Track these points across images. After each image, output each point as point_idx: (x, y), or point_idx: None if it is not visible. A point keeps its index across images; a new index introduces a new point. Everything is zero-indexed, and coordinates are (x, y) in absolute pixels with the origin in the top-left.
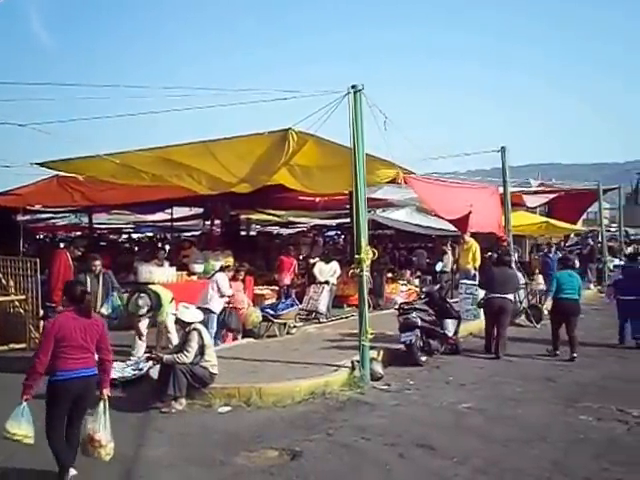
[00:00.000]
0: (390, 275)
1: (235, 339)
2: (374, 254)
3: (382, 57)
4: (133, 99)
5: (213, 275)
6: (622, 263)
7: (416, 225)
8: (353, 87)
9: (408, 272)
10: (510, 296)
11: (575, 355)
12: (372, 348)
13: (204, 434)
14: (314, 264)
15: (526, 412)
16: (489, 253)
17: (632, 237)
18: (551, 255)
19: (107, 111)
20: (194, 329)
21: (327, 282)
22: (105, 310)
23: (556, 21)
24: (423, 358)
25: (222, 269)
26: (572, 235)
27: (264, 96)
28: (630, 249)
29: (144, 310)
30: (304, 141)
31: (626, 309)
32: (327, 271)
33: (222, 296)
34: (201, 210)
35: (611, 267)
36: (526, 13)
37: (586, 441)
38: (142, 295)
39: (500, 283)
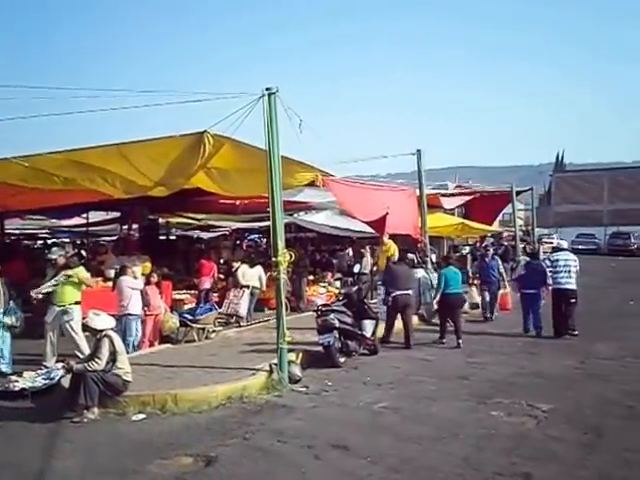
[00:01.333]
0: (311, 277)
1: (152, 345)
2: (291, 257)
3: (300, 58)
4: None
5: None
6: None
7: (336, 227)
8: (267, 89)
9: (329, 274)
10: (411, 292)
11: (460, 342)
12: (291, 351)
13: (117, 443)
14: (238, 267)
15: (440, 410)
16: (408, 254)
17: (546, 237)
18: (487, 260)
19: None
20: (105, 336)
21: (248, 286)
22: (9, 320)
23: (472, 20)
24: (341, 359)
25: (123, 272)
26: (488, 236)
27: (179, 98)
28: (531, 247)
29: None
30: (221, 144)
31: (528, 301)
32: (251, 275)
33: (136, 295)
34: (118, 214)
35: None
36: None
37: (497, 436)
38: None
39: (403, 280)
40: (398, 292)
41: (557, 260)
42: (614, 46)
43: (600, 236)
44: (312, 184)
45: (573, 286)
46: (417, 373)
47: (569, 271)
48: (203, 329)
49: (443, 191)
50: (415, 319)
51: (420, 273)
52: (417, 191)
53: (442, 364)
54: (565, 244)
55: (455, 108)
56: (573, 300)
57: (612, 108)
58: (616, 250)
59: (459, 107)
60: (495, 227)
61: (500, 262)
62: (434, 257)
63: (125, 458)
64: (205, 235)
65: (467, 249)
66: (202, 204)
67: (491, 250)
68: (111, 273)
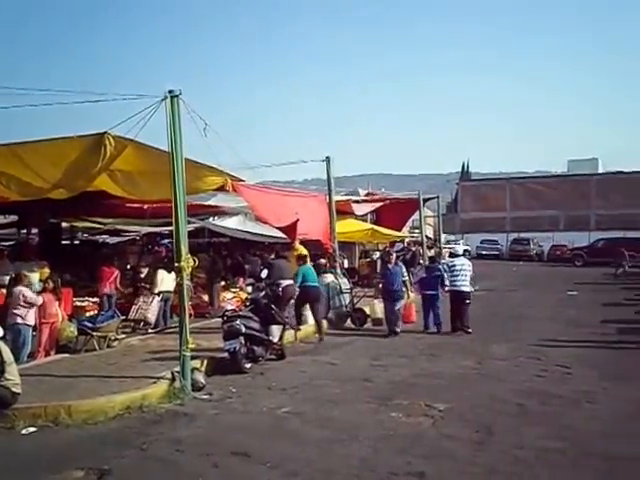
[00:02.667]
0: (223, 283)
1: (48, 355)
2: (195, 262)
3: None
4: None
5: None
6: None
7: (248, 232)
8: (170, 92)
9: (241, 279)
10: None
11: (322, 337)
12: (195, 358)
13: (4, 458)
14: (148, 273)
15: (342, 413)
16: (321, 260)
17: (453, 243)
18: (390, 267)
19: None
20: None
21: (159, 293)
22: None
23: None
24: (247, 365)
25: (18, 280)
26: (398, 241)
27: (78, 97)
28: (432, 252)
29: None
30: (123, 146)
31: (428, 302)
32: (169, 280)
33: (32, 306)
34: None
35: None
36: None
37: (395, 437)
38: None
39: (287, 271)
40: (287, 282)
41: (454, 265)
42: (517, 71)
43: (503, 242)
44: (221, 188)
45: (467, 288)
46: (322, 377)
47: (465, 275)
48: (105, 337)
49: (354, 197)
50: (325, 324)
51: (329, 278)
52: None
53: (347, 367)
54: (461, 251)
55: (371, 117)
56: (467, 301)
57: (515, 124)
58: (517, 255)
59: (375, 116)
60: (404, 233)
61: (404, 269)
62: (346, 262)
63: (13, 474)
64: (113, 240)
65: (377, 254)
66: (108, 208)
67: (394, 255)
68: (5, 280)
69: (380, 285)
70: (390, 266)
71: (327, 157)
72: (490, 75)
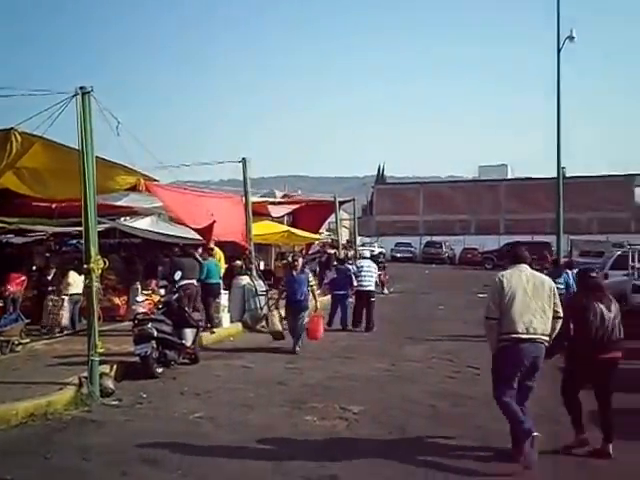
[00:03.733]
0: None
1: None
2: (105, 263)
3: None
4: None
5: None
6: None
7: (159, 234)
8: (81, 88)
9: (153, 282)
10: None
11: (214, 330)
12: (104, 362)
13: None
14: (66, 274)
15: (256, 417)
16: (237, 261)
17: (368, 245)
18: (295, 273)
19: None
20: None
21: (70, 295)
22: None
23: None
24: (159, 370)
25: None
26: (315, 243)
27: None
28: (343, 254)
29: None
30: (30, 143)
31: (338, 301)
32: (80, 282)
33: None
34: None
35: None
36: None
37: (309, 440)
38: None
39: (189, 271)
40: (186, 282)
41: (362, 266)
42: (434, 77)
43: (416, 245)
44: (134, 188)
45: (372, 288)
46: (236, 380)
47: (371, 276)
48: (7, 342)
49: (271, 199)
50: (239, 326)
51: (245, 280)
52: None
53: (261, 371)
54: (368, 254)
55: (288, 118)
56: (373, 299)
57: (429, 129)
58: (430, 258)
59: (292, 117)
60: (321, 235)
61: (311, 276)
62: (262, 264)
63: None
64: (18, 240)
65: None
66: (14, 206)
67: (300, 261)
68: None
69: (284, 294)
70: (295, 273)
71: (243, 158)
72: (407, 80)
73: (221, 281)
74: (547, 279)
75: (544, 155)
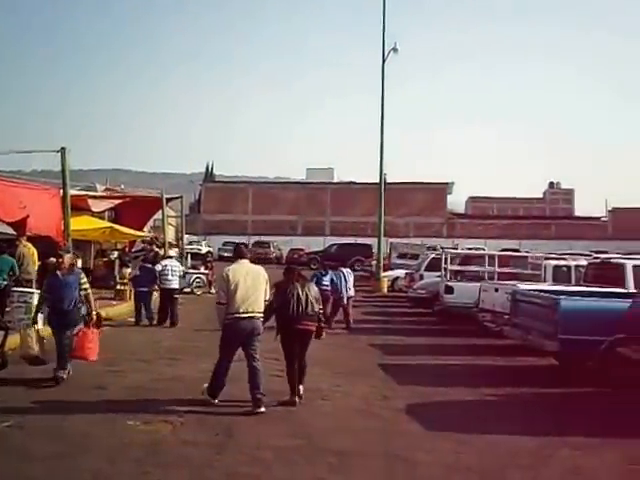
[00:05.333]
0: None
1: None
2: None
3: None
4: None
5: None
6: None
7: None
8: None
9: None
10: None
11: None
12: None
13: None
14: None
15: (72, 424)
16: (51, 258)
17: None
18: (61, 274)
19: None
20: None
21: None
22: None
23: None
24: None
25: None
26: (138, 241)
27: None
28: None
29: None
30: None
31: (141, 298)
32: None
33: None
34: None
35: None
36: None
37: (131, 446)
38: None
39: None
40: None
41: (167, 265)
42: (260, 78)
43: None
44: None
45: (176, 285)
46: (48, 385)
47: (174, 274)
48: None
49: (92, 193)
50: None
51: None
52: (62, 191)
53: (77, 374)
54: (173, 253)
55: (111, 108)
56: (176, 296)
57: (258, 129)
58: (257, 257)
59: (116, 108)
60: (145, 232)
61: (83, 276)
62: (80, 262)
63: None
64: None
65: (115, 254)
66: None
67: (67, 258)
68: None
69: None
70: (61, 274)
71: (62, 148)
72: (234, 78)
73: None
74: (262, 271)
75: (368, 161)
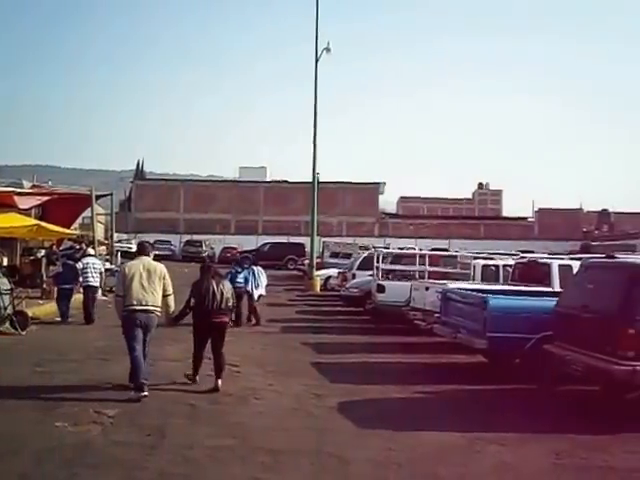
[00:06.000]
0: None
1: None
2: None
3: None
4: None
5: None
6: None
7: None
8: None
9: None
10: None
11: None
12: None
13: None
14: None
15: None
16: None
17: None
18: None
19: None
20: None
21: None
22: None
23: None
24: None
25: None
26: (66, 240)
27: None
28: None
29: None
30: None
31: (65, 295)
32: None
33: None
34: None
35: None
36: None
37: (60, 448)
38: None
39: None
40: None
41: (88, 263)
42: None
43: (176, 243)
44: None
45: (96, 284)
46: None
47: (94, 272)
48: None
49: (18, 190)
50: None
51: None
52: None
53: (6, 375)
54: (92, 251)
55: (39, 106)
56: (96, 294)
57: (189, 127)
58: (189, 256)
59: (44, 105)
60: (73, 230)
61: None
62: (5, 260)
63: None
64: None
65: (43, 252)
66: None
67: None
68: None
69: None
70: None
71: None
72: (167, 75)
73: None
74: (160, 267)
75: (301, 160)
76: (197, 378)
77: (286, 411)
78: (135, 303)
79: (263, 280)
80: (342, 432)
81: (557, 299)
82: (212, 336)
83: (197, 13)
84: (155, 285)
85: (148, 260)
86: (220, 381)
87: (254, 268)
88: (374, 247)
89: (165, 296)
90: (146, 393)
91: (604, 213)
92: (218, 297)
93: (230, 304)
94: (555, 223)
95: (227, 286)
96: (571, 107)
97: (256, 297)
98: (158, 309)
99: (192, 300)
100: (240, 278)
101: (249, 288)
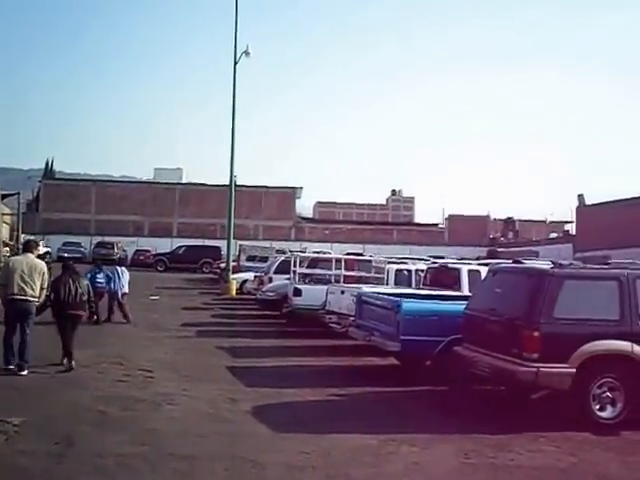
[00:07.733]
0: None
1: None
2: None
3: None
4: None
5: None
6: None
7: None
8: None
9: None
10: None
11: None
12: None
13: None
14: None
15: None
16: None
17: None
18: None
19: None
20: None
21: None
22: None
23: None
24: None
25: None
26: None
27: None
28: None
29: None
30: None
31: None
32: None
33: None
34: None
35: None
36: None
37: None
38: None
39: None
40: None
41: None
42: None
43: (86, 245)
44: None
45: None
46: None
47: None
48: None
49: None
50: None
51: None
52: None
53: None
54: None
55: None
56: None
57: (97, 125)
58: (100, 258)
59: None
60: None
61: None
62: None
63: None
64: None
65: None
66: None
67: None
68: None
69: None
70: None
71: None
72: (81, 73)
73: None
74: (41, 264)
75: (219, 163)
76: (66, 361)
77: (200, 416)
78: (15, 292)
79: (126, 279)
80: (257, 436)
81: (466, 303)
82: (67, 325)
83: (114, 7)
84: (33, 279)
85: (32, 257)
86: (74, 362)
87: (117, 268)
88: (291, 251)
89: (40, 289)
90: (25, 373)
91: (509, 221)
92: (73, 292)
93: (85, 299)
94: (464, 230)
95: (82, 283)
96: (480, 122)
97: (120, 295)
98: (35, 299)
99: (52, 294)
100: (100, 277)
101: (112, 287)
